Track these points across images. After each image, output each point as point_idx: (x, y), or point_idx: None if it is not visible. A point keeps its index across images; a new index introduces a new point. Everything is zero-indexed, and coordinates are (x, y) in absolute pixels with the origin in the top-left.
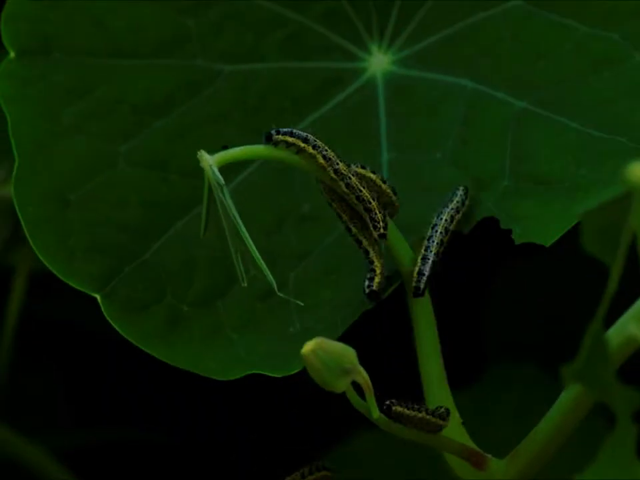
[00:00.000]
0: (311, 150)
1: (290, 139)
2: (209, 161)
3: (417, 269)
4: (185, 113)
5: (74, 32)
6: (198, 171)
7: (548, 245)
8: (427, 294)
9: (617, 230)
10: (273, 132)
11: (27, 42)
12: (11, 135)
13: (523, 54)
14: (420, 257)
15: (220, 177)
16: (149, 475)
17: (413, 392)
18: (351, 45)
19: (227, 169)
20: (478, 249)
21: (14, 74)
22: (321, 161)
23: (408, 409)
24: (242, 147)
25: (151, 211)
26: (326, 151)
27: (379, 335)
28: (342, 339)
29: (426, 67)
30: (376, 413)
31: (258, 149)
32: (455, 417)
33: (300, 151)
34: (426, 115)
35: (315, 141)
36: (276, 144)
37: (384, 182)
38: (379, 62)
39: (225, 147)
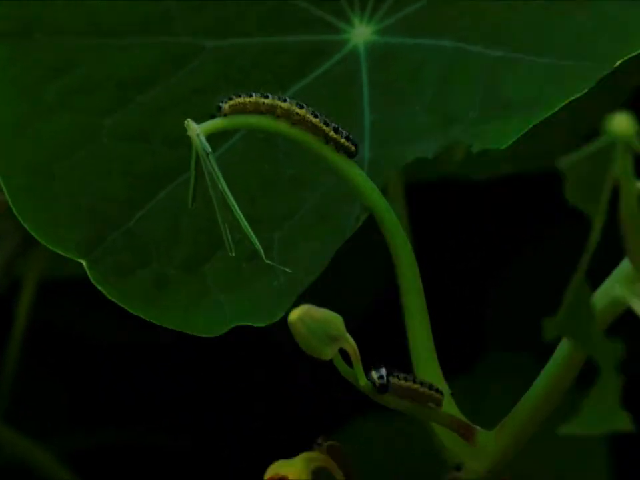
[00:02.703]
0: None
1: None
2: (196, 129)
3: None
4: (168, 88)
5: (54, 12)
6: (181, 141)
7: (503, 147)
8: (417, 270)
9: (600, 180)
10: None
11: (7, 24)
12: None
13: (499, 10)
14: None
15: (207, 145)
16: (152, 477)
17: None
18: (332, 17)
19: (212, 139)
20: (481, 240)
21: None
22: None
23: (403, 380)
24: (229, 117)
25: (134, 180)
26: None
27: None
28: None
29: (408, 34)
30: (363, 381)
31: (245, 119)
32: (445, 388)
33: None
34: (407, 78)
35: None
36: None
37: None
38: (361, 33)
39: (213, 116)
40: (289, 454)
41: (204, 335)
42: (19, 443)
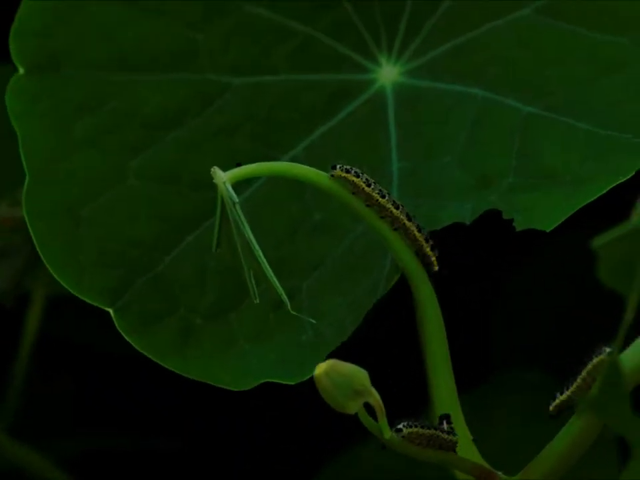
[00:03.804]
0: (369, 191)
1: (350, 177)
2: (222, 177)
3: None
4: (195, 127)
5: (83, 47)
6: (209, 184)
7: (549, 230)
8: (435, 299)
9: (633, 259)
10: (337, 166)
11: (36, 58)
12: (21, 151)
13: (531, 61)
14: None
15: (233, 194)
16: None
17: (419, 401)
18: (359, 56)
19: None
20: (487, 256)
21: (23, 90)
22: (386, 206)
23: (420, 428)
24: (256, 164)
25: (162, 224)
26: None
27: (385, 342)
28: (349, 347)
29: (435, 77)
30: (388, 434)
31: (271, 166)
32: (466, 434)
33: (358, 191)
34: (435, 124)
35: (376, 184)
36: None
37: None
38: (388, 73)
39: (239, 164)
40: (289, 455)
41: (231, 389)
42: (16, 448)
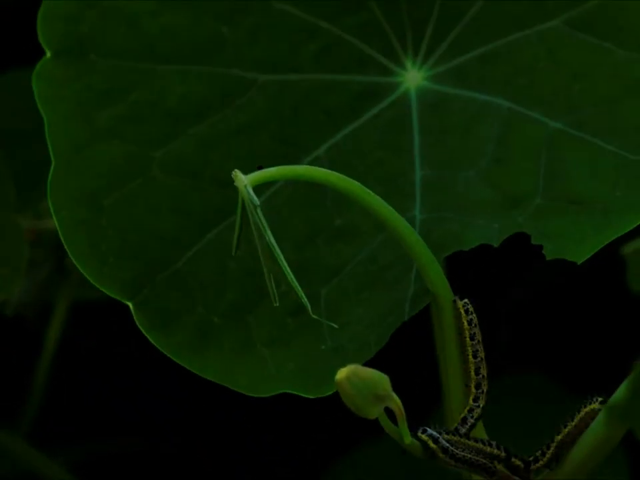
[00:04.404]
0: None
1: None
2: (244, 180)
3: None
4: (218, 121)
5: (109, 33)
6: (230, 181)
7: (580, 262)
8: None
9: None
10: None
11: (63, 42)
12: (47, 135)
13: (559, 75)
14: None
15: (254, 197)
16: None
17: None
18: (385, 59)
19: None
20: (489, 260)
21: (50, 74)
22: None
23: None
24: (277, 167)
25: (183, 219)
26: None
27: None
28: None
29: (460, 84)
30: (408, 439)
31: (293, 169)
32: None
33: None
34: (460, 133)
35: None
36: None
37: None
38: (413, 77)
39: (260, 167)
40: (291, 458)
41: (249, 394)
42: (24, 452)
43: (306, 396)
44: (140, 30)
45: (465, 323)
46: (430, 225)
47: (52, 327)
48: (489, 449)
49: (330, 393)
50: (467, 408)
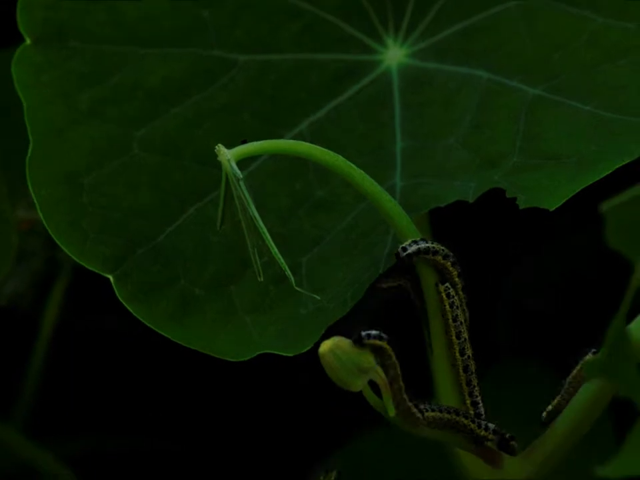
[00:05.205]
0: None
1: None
2: (227, 155)
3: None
4: (200, 101)
5: (89, 19)
6: (212, 159)
7: (552, 209)
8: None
9: None
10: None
11: (43, 29)
12: (27, 120)
13: (538, 44)
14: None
15: (238, 171)
16: None
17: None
18: (366, 37)
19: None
20: (489, 247)
21: (30, 60)
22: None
23: (444, 412)
24: (260, 142)
25: (164, 195)
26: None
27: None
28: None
29: (441, 59)
30: (392, 412)
31: (276, 143)
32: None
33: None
34: (441, 105)
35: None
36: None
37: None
38: (394, 55)
39: (244, 141)
40: (288, 459)
41: (231, 359)
42: (22, 445)
43: (285, 354)
44: (120, 15)
45: (447, 306)
46: (410, 190)
47: (47, 317)
48: (471, 425)
49: (308, 348)
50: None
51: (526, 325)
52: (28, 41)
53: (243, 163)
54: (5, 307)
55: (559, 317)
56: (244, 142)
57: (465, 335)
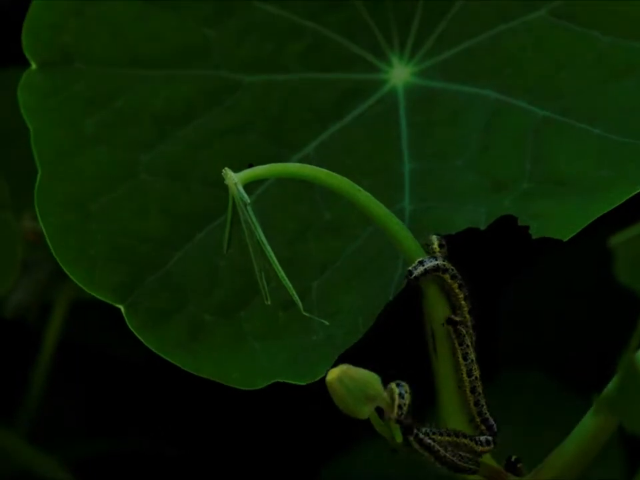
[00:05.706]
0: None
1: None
2: (234, 179)
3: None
4: (205, 123)
5: (94, 42)
6: (219, 181)
7: (566, 239)
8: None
9: None
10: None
11: (48, 53)
12: (33, 145)
13: (545, 64)
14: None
15: (245, 195)
16: None
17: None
18: (371, 56)
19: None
20: (491, 256)
21: (35, 85)
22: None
23: (446, 436)
24: (267, 165)
25: (172, 220)
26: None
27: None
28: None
29: (448, 78)
30: (399, 438)
31: (283, 167)
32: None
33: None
34: (447, 125)
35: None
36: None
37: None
38: (400, 73)
39: (250, 165)
40: (289, 461)
41: (241, 388)
42: (24, 450)
43: (296, 383)
44: (124, 36)
45: (457, 344)
46: (419, 214)
47: (51, 326)
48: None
49: (320, 377)
50: (473, 407)
51: (526, 336)
52: (33, 66)
53: (249, 185)
54: (10, 319)
55: (560, 327)
56: (250, 165)
57: (468, 342)
